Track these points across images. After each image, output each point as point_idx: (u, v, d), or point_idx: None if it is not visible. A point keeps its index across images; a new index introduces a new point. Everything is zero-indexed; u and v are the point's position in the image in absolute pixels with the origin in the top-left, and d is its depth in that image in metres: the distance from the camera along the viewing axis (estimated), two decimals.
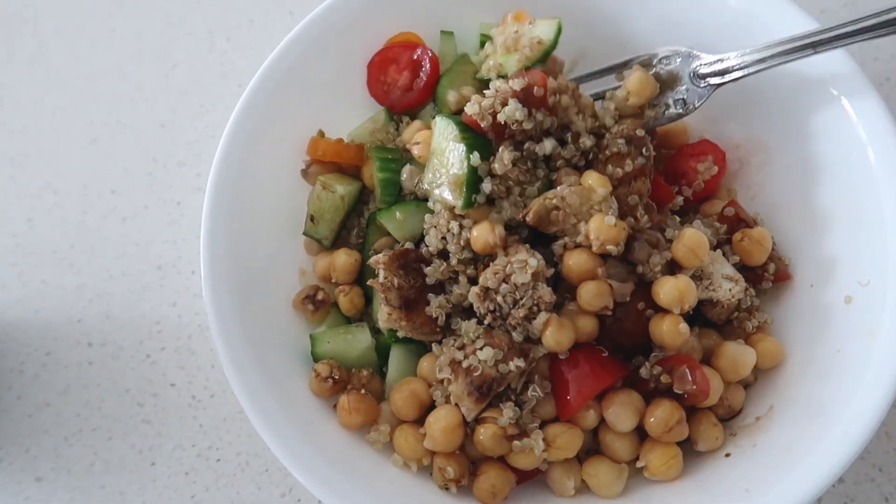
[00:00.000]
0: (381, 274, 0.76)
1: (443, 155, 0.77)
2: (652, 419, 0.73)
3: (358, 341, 0.82)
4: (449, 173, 0.76)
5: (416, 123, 0.87)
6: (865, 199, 0.77)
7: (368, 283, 0.79)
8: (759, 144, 0.88)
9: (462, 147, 0.76)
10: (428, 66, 0.88)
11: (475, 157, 0.75)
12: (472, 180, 0.75)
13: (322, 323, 0.85)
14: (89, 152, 1.07)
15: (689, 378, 0.72)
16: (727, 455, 0.75)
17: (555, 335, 0.72)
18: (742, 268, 0.81)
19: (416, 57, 0.89)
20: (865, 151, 0.77)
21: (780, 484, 0.68)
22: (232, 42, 1.14)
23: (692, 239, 0.75)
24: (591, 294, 0.73)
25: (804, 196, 0.83)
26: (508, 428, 0.73)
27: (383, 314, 0.77)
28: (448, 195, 0.76)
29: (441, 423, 0.74)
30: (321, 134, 0.90)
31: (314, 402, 0.80)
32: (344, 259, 0.84)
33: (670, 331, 0.73)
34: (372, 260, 0.78)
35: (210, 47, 1.13)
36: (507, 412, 0.73)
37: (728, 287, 0.77)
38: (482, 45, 0.90)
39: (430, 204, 0.80)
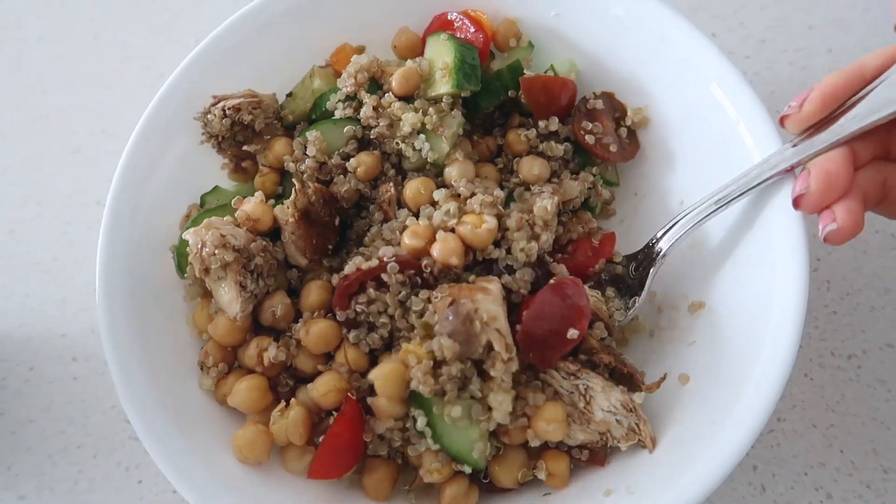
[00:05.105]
0: (310, 187, 0.81)
1: (439, 58, 0.84)
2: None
3: None
4: (441, 69, 0.84)
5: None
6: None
7: (288, 168, 0.84)
8: None
9: (451, 46, 0.84)
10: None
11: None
12: (460, 67, 0.83)
13: (233, 185, 0.90)
14: (73, 162, 1.06)
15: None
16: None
17: None
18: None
19: (469, 36, 0.88)
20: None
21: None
22: None
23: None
24: None
25: None
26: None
27: (285, 206, 0.79)
28: (444, 87, 0.83)
29: (227, 321, 0.77)
30: (361, 49, 0.91)
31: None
32: (281, 146, 0.86)
33: None
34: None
35: None
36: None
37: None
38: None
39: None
